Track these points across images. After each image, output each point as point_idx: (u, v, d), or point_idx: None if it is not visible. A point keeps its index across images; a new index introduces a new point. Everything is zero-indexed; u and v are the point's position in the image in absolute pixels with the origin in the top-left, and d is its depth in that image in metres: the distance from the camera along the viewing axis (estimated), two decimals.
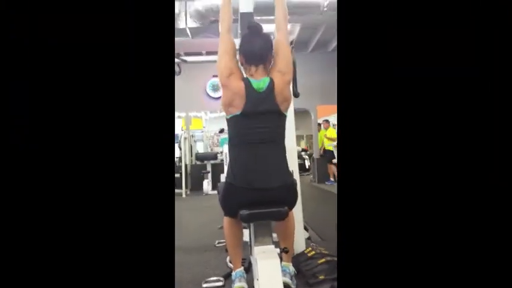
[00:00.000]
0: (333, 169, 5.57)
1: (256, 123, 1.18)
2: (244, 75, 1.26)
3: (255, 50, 1.23)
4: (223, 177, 1.70)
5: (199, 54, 5.28)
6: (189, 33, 3.67)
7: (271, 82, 1.21)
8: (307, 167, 7.56)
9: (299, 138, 8.99)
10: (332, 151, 5.51)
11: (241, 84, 1.20)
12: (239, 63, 1.27)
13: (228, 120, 1.24)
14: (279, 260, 0.98)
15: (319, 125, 6.06)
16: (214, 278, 1.51)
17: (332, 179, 5.58)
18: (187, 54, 5.08)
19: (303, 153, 8.11)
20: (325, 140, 5.78)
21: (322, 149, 5.96)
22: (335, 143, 5.34)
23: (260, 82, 1.21)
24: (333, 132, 5.66)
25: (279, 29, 1.30)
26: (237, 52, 1.28)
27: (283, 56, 1.26)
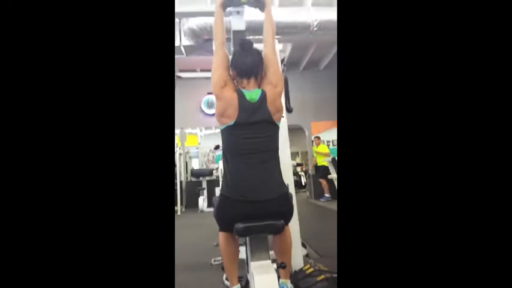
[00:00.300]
0: (326, 184, 5.51)
1: (250, 133, 1.20)
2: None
3: (246, 64, 1.26)
4: (218, 191, 1.68)
5: (194, 71, 5.37)
6: (184, 51, 3.74)
7: (263, 93, 1.25)
8: (303, 183, 7.51)
9: (294, 154, 9.00)
10: (326, 166, 5.49)
11: (234, 95, 1.23)
12: (233, 77, 1.30)
13: (222, 132, 1.25)
14: (276, 275, 0.94)
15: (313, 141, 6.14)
16: None
17: (327, 194, 5.51)
18: (182, 71, 5.15)
19: (298, 168, 8.10)
20: (318, 156, 5.75)
21: (312, 165, 5.92)
22: (330, 158, 5.35)
23: (252, 93, 1.24)
24: (324, 148, 5.70)
25: (266, 44, 1.35)
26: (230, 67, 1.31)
27: (272, 68, 1.30)
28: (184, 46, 3.71)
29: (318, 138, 5.92)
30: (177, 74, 4.88)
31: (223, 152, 1.27)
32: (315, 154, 5.85)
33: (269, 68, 1.29)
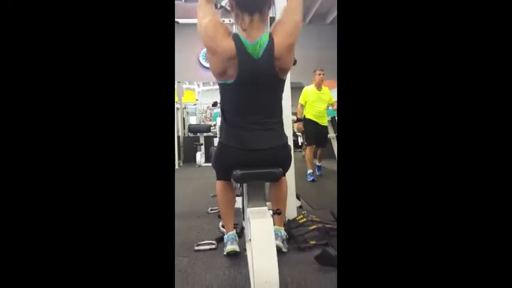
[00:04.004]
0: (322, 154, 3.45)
1: (251, 92, 1.04)
2: (235, 30, 1.11)
3: None
4: (216, 142, 1.68)
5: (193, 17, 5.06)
6: None
7: (271, 42, 0.99)
8: (299, 143, 7.61)
9: (293, 114, 8.91)
10: (326, 127, 3.34)
11: (231, 46, 0.98)
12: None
13: (220, 85, 1.12)
14: (271, 220, 0.97)
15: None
16: (207, 242, 1.52)
17: (319, 163, 3.49)
18: (179, 19, 4.85)
19: (295, 128, 8.09)
20: (317, 105, 3.19)
21: (299, 124, 3.29)
22: (329, 117, 3.54)
23: (256, 44, 1.00)
24: (327, 93, 3.30)
25: None
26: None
27: (293, 15, 1.03)
28: None
29: (322, 72, 3.29)
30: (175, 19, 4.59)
31: (221, 106, 1.17)
32: (310, 102, 3.23)
33: (287, 11, 1.03)
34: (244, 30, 1.02)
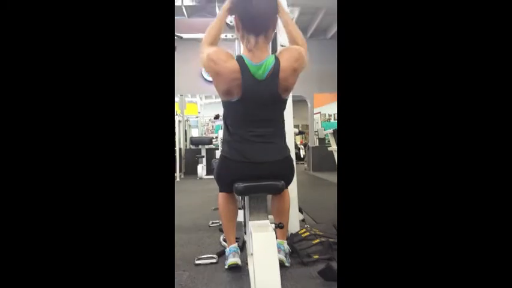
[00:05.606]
0: None
1: (255, 109, 1.08)
2: (240, 51, 1.15)
3: (255, 10, 0.99)
4: (218, 154, 1.69)
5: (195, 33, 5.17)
6: (185, 12, 3.58)
7: (277, 64, 1.03)
8: (301, 156, 7.62)
9: (295, 127, 8.96)
10: None
11: (235, 66, 1.02)
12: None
13: (223, 102, 1.16)
14: (274, 233, 0.95)
15: None
16: (208, 255, 1.49)
17: None
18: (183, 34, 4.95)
19: (297, 141, 8.12)
20: None
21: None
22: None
23: (260, 66, 1.02)
24: None
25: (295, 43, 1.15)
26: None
27: (293, 41, 1.12)
28: (185, 6, 3.54)
29: None
30: (178, 34, 4.69)
31: (224, 120, 1.19)
32: None
33: (291, 41, 1.11)
34: (250, 51, 1.04)
